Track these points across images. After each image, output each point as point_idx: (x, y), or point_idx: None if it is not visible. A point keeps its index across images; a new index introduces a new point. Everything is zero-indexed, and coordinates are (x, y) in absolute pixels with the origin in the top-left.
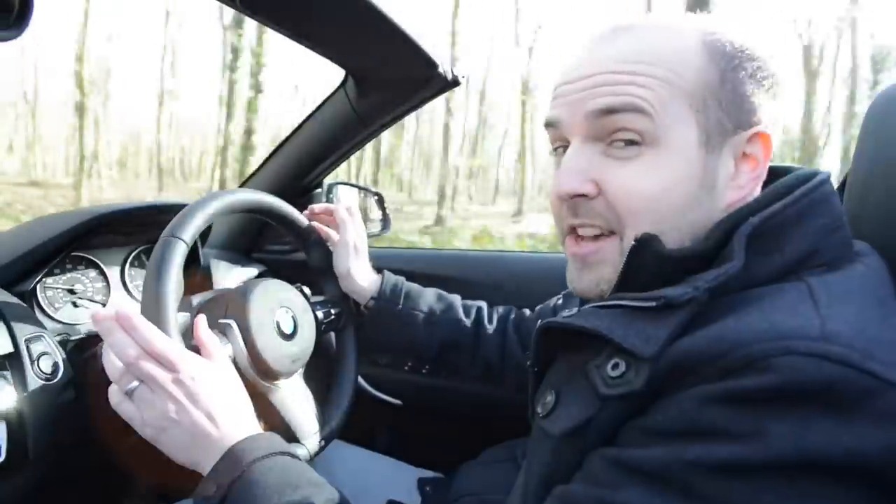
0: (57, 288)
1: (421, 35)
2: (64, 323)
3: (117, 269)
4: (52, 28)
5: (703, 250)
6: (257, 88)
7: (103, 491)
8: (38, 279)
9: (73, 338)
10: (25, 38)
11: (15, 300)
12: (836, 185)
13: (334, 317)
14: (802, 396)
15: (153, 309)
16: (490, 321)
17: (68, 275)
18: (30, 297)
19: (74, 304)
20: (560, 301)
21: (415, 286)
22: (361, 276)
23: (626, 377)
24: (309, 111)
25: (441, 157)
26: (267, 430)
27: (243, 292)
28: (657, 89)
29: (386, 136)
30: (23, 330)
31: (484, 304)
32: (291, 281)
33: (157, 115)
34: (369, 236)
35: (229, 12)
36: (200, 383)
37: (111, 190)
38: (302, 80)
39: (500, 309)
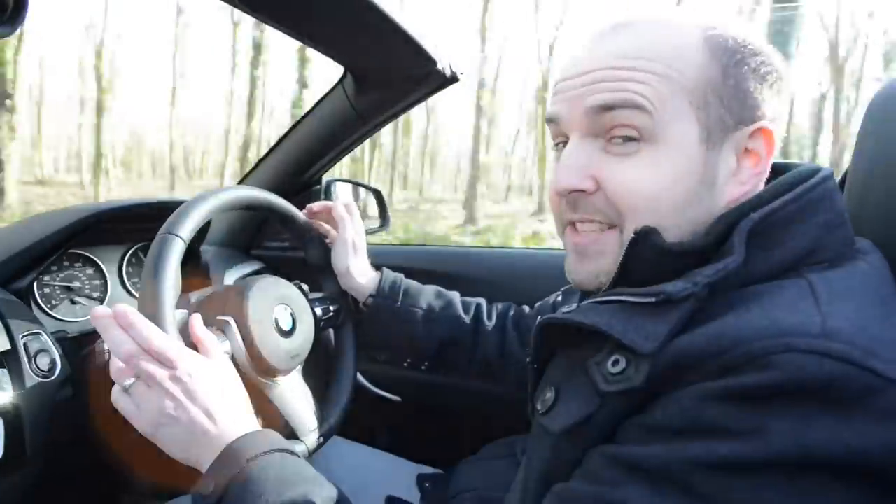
0: (54, 285)
1: (422, 35)
2: (61, 320)
3: (115, 267)
4: (54, 27)
5: (703, 245)
6: (302, 83)
7: (101, 488)
8: (35, 276)
9: (70, 335)
10: (27, 37)
11: (12, 298)
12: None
13: (333, 314)
14: (803, 394)
15: (151, 306)
16: (489, 318)
17: (66, 272)
18: (27, 295)
19: (72, 302)
20: (560, 298)
21: (414, 283)
22: (360, 273)
23: (626, 374)
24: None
25: (471, 157)
26: (265, 427)
27: (242, 289)
28: (656, 86)
29: (398, 134)
30: (20, 327)
31: (483, 301)
32: (290, 278)
33: (168, 112)
34: (368, 233)
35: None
36: (198, 380)
37: (121, 189)
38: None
39: (500, 306)
